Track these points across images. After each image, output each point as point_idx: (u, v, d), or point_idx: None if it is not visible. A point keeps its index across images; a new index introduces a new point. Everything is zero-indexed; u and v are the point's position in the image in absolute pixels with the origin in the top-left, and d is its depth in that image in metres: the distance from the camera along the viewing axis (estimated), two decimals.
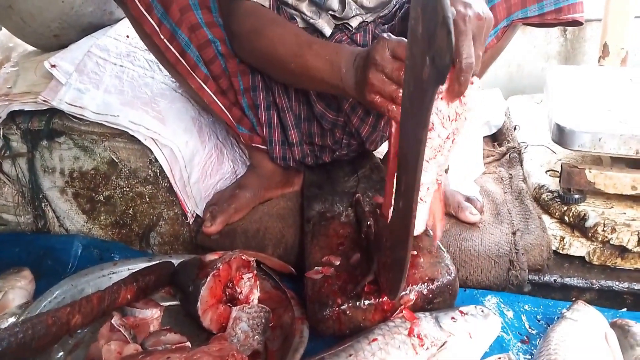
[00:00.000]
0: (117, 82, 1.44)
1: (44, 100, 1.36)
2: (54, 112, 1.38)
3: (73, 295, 1.10)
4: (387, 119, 0.96)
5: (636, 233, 1.22)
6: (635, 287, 1.23)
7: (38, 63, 1.51)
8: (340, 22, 1.26)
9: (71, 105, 1.36)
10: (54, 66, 1.43)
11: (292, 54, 1.09)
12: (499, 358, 0.96)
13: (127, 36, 1.59)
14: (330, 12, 1.24)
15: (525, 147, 1.62)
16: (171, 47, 1.22)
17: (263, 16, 1.15)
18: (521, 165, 1.58)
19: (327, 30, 1.25)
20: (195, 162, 1.40)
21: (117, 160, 1.37)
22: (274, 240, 1.34)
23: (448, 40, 0.56)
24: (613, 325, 1.04)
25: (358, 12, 1.25)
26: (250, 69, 1.26)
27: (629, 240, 1.23)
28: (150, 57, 1.54)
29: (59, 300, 1.09)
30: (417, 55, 0.66)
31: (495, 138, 1.81)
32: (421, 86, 0.65)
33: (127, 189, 1.40)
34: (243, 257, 1.15)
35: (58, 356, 1.01)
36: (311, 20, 1.24)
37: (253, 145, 1.39)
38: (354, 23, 1.26)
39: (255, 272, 1.16)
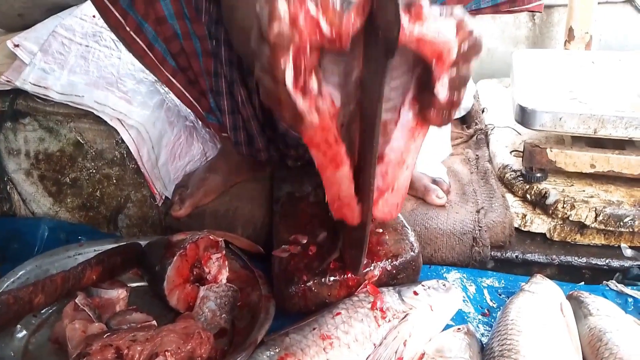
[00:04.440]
0: (82, 62, 1.42)
1: (7, 81, 1.34)
2: (18, 92, 1.36)
3: (37, 276, 1.09)
4: None
5: (594, 209, 1.26)
6: (593, 262, 1.27)
7: (1, 43, 1.48)
8: None
9: (35, 85, 1.34)
10: (17, 46, 1.41)
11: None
12: (458, 329, 0.99)
13: (94, 16, 1.56)
14: None
15: (492, 129, 1.65)
16: (138, 40, 1.19)
17: None
18: (487, 146, 1.61)
19: None
20: (164, 143, 1.40)
21: (82, 142, 1.36)
22: (243, 221, 1.35)
23: (396, 13, 0.57)
24: (569, 297, 1.08)
25: None
26: (214, 72, 1.25)
27: (587, 217, 1.27)
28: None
29: (23, 281, 1.08)
30: (370, 31, 0.67)
31: (464, 120, 1.83)
32: (375, 61, 0.66)
33: (94, 171, 1.38)
34: (211, 237, 1.15)
35: (21, 335, 1.00)
36: None
37: (223, 134, 1.39)
38: None
39: (223, 252, 1.16)
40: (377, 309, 0.98)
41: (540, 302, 1.02)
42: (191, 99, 1.32)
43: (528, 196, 1.36)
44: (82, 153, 1.37)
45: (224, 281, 1.15)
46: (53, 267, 1.14)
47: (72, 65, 1.41)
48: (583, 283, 1.22)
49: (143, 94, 1.40)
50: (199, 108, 1.34)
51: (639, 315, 1.09)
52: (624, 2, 2.10)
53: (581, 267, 1.27)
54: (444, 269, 1.24)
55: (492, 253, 1.27)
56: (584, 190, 1.33)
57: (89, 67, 1.42)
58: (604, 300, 1.05)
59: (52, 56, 1.41)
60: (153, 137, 1.36)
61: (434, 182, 1.39)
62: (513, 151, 1.50)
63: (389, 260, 1.07)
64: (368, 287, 1.03)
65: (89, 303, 1.02)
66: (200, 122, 1.51)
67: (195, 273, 1.13)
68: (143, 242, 1.21)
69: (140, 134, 1.34)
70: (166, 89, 1.45)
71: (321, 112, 0.70)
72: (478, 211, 1.31)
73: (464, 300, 1.12)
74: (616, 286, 1.18)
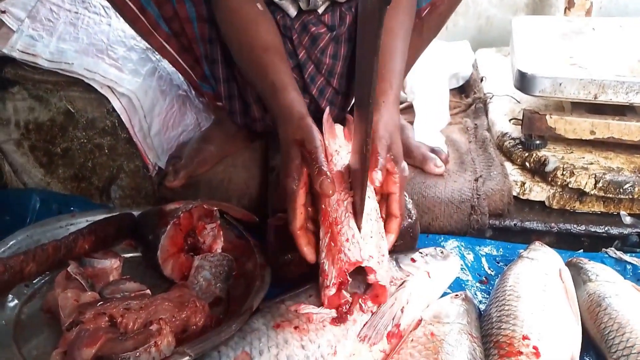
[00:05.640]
0: (71, 29, 1.39)
1: None
2: (6, 60, 1.33)
3: (28, 246, 1.07)
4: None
5: (593, 176, 1.25)
6: (592, 230, 1.26)
7: None
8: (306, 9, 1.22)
9: (23, 52, 1.30)
10: (3, 12, 1.37)
11: (238, 61, 1.10)
12: (456, 295, 0.98)
13: None
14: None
15: (491, 98, 1.63)
16: (129, 3, 1.16)
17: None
18: (486, 115, 1.60)
19: (292, 12, 1.20)
20: (156, 113, 1.37)
21: (73, 111, 1.33)
22: (238, 191, 1.33)
23: None
24: (568, 264, 1.07)
25: (323, 3, 1.22)
26: (209, 38, 1.22)
27: (586, 184, 1.26)
28: (106, 3, 1.47)
29: (14, 250, 1.06)
30: None
31: (463, 90, 1.81)
32: (372, 12, 0.64)
33: (85, 141, 1.36)
34: (205, 206, 1.13)
35: (12, 305, 0.99)
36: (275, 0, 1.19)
37: (217, 104, 1.36)
38: (321, 9, 1.22)
39: (218, 221, 1.15)
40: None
41: (539, 269, 1.02)
42: (185, 66, 1.29)
43: (527, 164, 1.34)
44: (72, 122, 1.34)
45: (219, 250, 1.14)
46: (45, 237, 1.12)
47: (61, 32, 1.37)
48: (582, 251, 1.22)
49: (134, 61, 1.37)
50: (193, 76, 1.31)
51: (637, 281, 1.09)
52: None
53: (580, 235, 1.27)
54: (442, 238, 1.23)
55: (490, 221, 1.26)
56: (583, 157, 1.32)
57: (78, 34, 1.38)
58: (602, 267, 1.05)
59: (41, 23, 1.38)
60: (145, 105, 1.33)
61: (433, 151, 1.37)
62: (512, 119, 1.48)
63: None
64: None
65: (82, 272, 1.01)
66: (193, 92, 1.49)
67: (189, 242, 1.12)
68: (136, 213, 1.19)
69: (131, 102, 1.31)
70: (158, 56, 1.42)
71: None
72: (476, 179, 1.30)
73: (462, 269, 1.12)
74: (615, 253, 1.18)
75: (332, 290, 0.86)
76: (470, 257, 1.17)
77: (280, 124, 0.99)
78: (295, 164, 0.91)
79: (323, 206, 0.91)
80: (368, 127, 0.77)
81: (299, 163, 0.91)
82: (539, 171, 1.32)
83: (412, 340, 0.90)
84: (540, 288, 0.96)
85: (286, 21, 1.22)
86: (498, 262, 1.17)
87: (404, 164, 0.96)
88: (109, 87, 1.29)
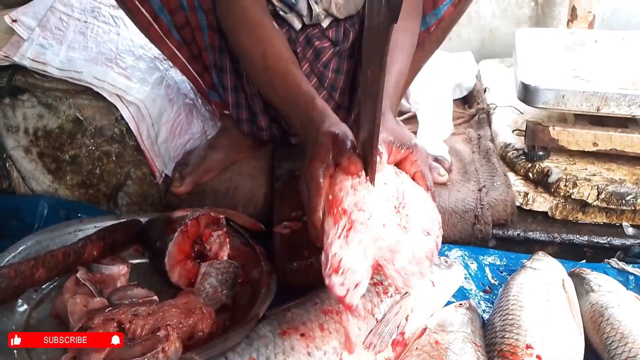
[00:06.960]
0: (81, 38, 1.41)
1: (5, 56, 1.33)
2: (16, 69, 1.35)
3: (38, 251, 1.09)
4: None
5: (596, 187, 1.26)
6: (595, 240, 1.27)
7: None
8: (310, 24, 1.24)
9: (34, 61, 1.33)
10: (15, 21, 1.40)
11: (258, 72, 1.07)
12: (460, 304, 0.99)
13: None
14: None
15: (494, 109, 1.64)
16: (143, 10, 1.18)
17: (242, 12, 1.09)
18: (489, 125, 1.61)
19: (297, 25, 1.22)
20: (163, 121, 1.38)
21: (82, 118, 1.35)
22: (244, 199, 1.34)
23: None
24: (571, 274, 1.08)
25: (326, 18, 1.23)
26: (218, 47, 1.24)
27: (589, 195, 1.27)
28: (115, 13, 1.51)
29: (23, 256, 1.07)
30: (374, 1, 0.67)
31: (466, 100, 1.82)
32: (378, 29, 0.66)
33: (93, 148, 1.37)
34: (212, 214, 1.15)
35: (22, 310, 1.00)
36: (281, 12, 1.21)
37: (225, 112, 1.37)
38: (325, 23, 1.24)
39: (225, 229, 1.16)
40: (379, 284, 0.97)
41: (542, 279, 1.03)
42: (195, 73, 1.31)
43: (530, 175, 1.35)
44: (81, 130, 1.36)
45: (225, 258, 1.15)
46: (53, 243, 1.13)
47: (71, 41, 1.40)
48: (585, 261, 1.23)
49: (142, 70, 1.39)
50: (202, 83, 1.33)
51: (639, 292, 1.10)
52: None
53: (583, 246, 1.28)
54: (446, 247, 1.24)
55: (493, 231, 1.27)
56: (586, 169, 1.33)
57: (87, 43, 1.41)
58: (605, 277, 1.06)
59: (51, 32, 1.40)
60: (153, 114, 1.35)
61: (436, 160, 1.39)
62: (515, 130, 1.50)
63: None
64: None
65: (90, 278, 1.02)
66: (200, 100, 1.50)
67: (196, 249, 1.13)
68: (143, 219, 1.20)
69: (139, 111, 1.33)
70: (165, 65, 1.44)
71: None
72: (480, 189, 1.31)
73: (465, 278, 1.13)
74: (617, 264, 1.18)
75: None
76: (473, 266, 1.18)
77: (314, 122, 0.93)
78: (326, 150, 0.85)
79: (338, 182, 0.83)
80: (375, 141, 0.77)
81: (330, 150, 0.86)
82: (542, 182, 1.33)
83: (416, 349, 0.91)
84: (544, 298, 0.97)
85: (291, 34, 1.24)
86: (501, 272, 1.18)
87: (414, 141, 0.91)
88: (117, 95, 1.31)
